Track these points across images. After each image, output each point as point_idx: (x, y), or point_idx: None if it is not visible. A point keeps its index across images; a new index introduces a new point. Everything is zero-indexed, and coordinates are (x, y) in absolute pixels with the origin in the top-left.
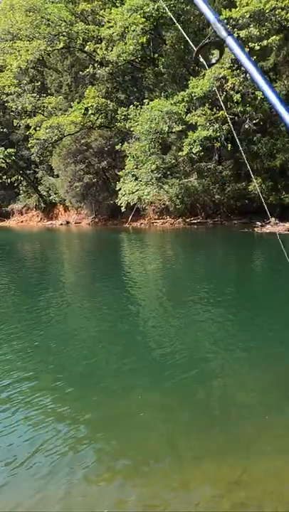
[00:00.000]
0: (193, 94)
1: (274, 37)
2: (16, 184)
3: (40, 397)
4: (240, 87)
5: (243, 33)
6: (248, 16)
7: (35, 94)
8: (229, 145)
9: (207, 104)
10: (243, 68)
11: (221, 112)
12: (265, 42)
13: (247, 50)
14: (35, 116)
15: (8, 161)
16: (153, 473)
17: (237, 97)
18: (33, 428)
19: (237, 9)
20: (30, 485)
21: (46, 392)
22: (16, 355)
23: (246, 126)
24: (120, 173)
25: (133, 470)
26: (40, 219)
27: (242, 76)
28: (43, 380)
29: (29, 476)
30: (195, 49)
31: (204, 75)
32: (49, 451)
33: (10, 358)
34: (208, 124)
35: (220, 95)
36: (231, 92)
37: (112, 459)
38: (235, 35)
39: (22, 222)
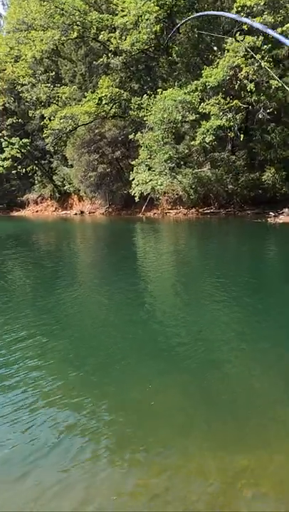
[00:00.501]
0: (206, 84)
1: None
2: (30, 174)
3: (56, 383)
4: (254, 76)
5: (257, 20)
6: (262, 4)
7: (49, 85)
8: (242, 135)
9: (221, 94)
10: (257, 57)
11: (234, 101)
12: (279, 29)
13: (261, 38)
14: (49, 106)
15: (23, 151)
16: (162, 462)
17: (251, 86)
18: (48, 413)
19: None
20: (46, 470)
21: (61, 379)
22: (33, 342)
23: (260, 116)
24: (134, 163)
25: (141, 458)
26: (55, 209)
27: (256, 65)
28: (57, 366)
29: (46, 460)
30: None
31: (218, 63)
32: (63, 437)
33: (28, 345)
34: (221, 113)
35: (234, 84)
36: (245, 81)
37: (122, 447)
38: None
39: (37, 211)
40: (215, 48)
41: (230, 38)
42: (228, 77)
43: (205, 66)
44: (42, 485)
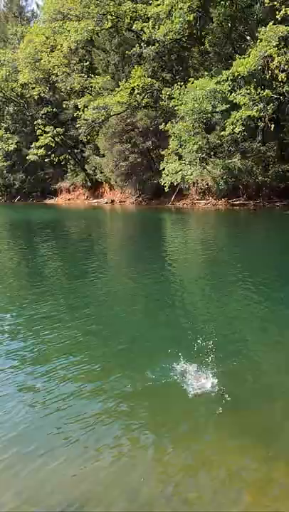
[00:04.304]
0: (236, 73)
1: None
2: (63, 163)
3: (81, 365)
4: (287, 66)
5: None
6: None
7: (83, 74)
8: (273, 125)
9: (252, 84)
10: None
11: (265, 92)
12: None
13: None
14: (83, 96)
15: (56, 140)
16: (176, 446)
17: (282, 76)
18: (72, 391)
19: None
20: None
21: (88, 360)
22: (61, 320)
23: None
24: (164, 153)
25: (158, 442)
26: (87, 197)
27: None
28: (83, 350)
29: (64, 444)
30: None
31: (250, 53)
32: (77, 421)
33: (54, 328)
34: (252, 103)
35: (266, 74)
36: (277, 71)
37: (144, 430)
38: None
39: (69, 199)
40: (248, 38)
41: (264, 27)
42: (259, 67)
43: (237, 55)
44: (68, 463)
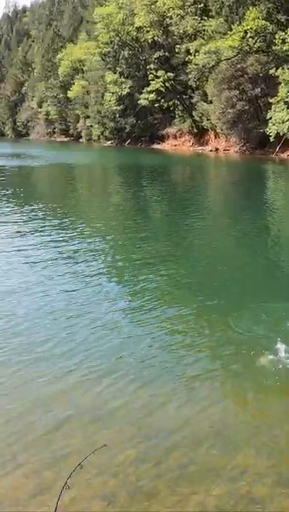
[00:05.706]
0: None
1: None
2: (172, 108)
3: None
4: None
5: None
6: None
7: (196, 17)
8: None
9: None
10: None
11: None
12: None
13: None
14: (195, 40)
15: (167, 85)
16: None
17: None
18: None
19: None
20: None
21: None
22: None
23: None
24: (272, 101)
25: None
26: (192, 144)
27: None
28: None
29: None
30: None
31: None
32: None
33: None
34: None
35: None
36: None
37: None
38: None
39: (175, 145)
40: None
41: None
42: None
43: None
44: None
